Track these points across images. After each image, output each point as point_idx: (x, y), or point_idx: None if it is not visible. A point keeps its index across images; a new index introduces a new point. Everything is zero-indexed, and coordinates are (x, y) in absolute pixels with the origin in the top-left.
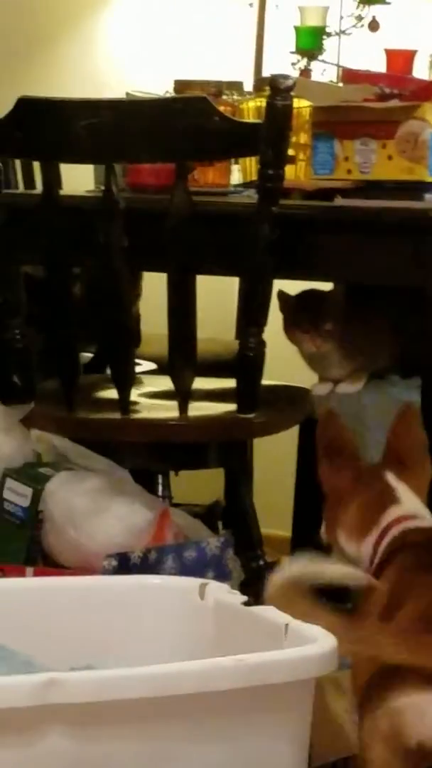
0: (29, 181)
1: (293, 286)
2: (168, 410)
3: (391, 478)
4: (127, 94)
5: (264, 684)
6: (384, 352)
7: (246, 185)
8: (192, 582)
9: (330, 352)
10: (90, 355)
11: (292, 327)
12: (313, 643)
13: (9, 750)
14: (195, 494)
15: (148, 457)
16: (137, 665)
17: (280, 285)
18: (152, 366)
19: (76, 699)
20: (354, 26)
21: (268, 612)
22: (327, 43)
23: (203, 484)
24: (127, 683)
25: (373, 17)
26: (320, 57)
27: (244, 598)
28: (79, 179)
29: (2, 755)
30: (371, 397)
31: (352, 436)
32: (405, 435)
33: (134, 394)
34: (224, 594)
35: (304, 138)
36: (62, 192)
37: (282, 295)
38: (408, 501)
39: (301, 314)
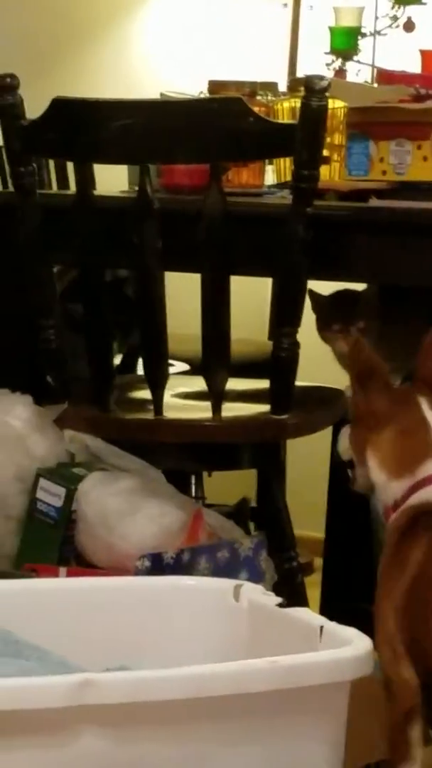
0: (63, 182)
1: (324, 287)
2: (201, 411)
3: (426, 407)
4: (161, 94)
5: (298, 686)
6: (415, 354)
7: (280, 186)
8: (226, 583)
9: None
10: (119, 356)
11: (324, 326)
12: (349, 645)
13: (44, 750)
14: (228, 495)
15: (181, 457)
16: (171, 666)
17: (313, 286)
18: (185, 367)
19: (111, 700)
20: (389, 26)
21: (303, 613)
22: (362, 43)
23: (236, 485)
24: (161, 684)
25: (409, 18)
26: (355, 57)
27: (279, 599)
28: (112, 180)
29: (37, 755)
30: None
31: (382, 362)
32: None
33: (167, 395)
34: (259, 595)
35: (338, 139)
36: (96, 192)
37: (314, 294)
38: None
39: (334, 313)
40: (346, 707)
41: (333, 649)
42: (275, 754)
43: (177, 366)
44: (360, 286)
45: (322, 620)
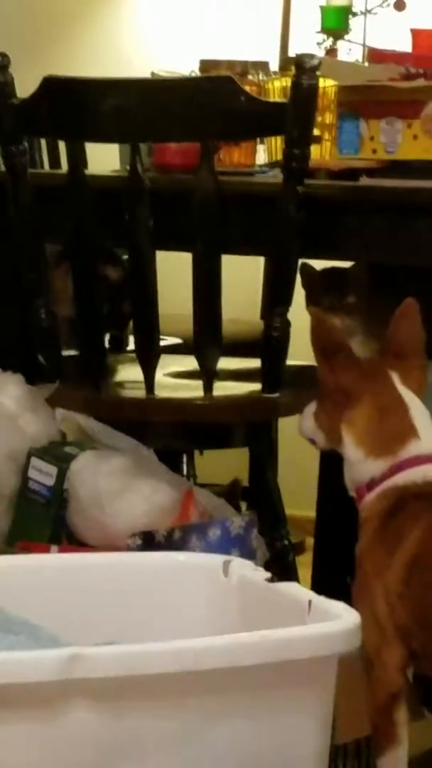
0: (54, 161)
1: (315, 264)
2: (193, 390)
3: (398, 382)
4: (153, 73)
5: (287, 660)
6: None
7: (271, 165)
8: (216, 559)
9: (353, 332)
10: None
11: (314, 302)
12: (337, 619)
13: (34, 724)
14: (220, 474)
15: (172, 436)
16: (161, 642)
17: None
18: (177, 340)
19: (101, 673)
20: (380, 5)
21: (292, 588)
22: (353, 22)
23: (228, 464)
24: (151, 658)
25: None
26: (346, 37)
27: (268, 574)
28: (104, 159)
29: (28, 729)
30: None
31: (345, 337)
32: (406, 328)
33: (159, 374)
34: (248, 571)
35: (329, 118)
36: (87, 172)
37: (305, 268)
38: (425, 433)
39: (324, 289)
40: (334, 681)
41: (321, 623)
42: (264, 727)
43: (169, 340)
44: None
45: (311, 594)
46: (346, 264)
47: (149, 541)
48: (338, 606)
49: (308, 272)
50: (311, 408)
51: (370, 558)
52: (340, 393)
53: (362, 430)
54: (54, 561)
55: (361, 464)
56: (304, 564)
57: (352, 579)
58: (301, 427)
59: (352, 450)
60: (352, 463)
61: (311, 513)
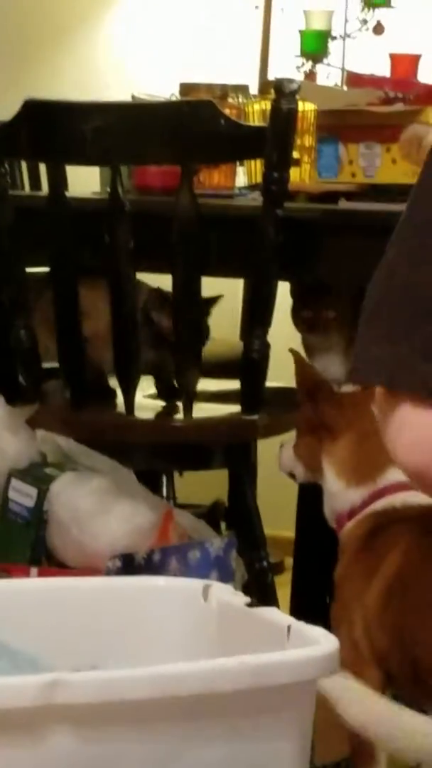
0: (35, 183)
1: None
2: (172, 411)
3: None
4: (133, 96)
5: (266, 685)
6: None
7: (251, 188)
8: (195, 583)
9: (332, 350)
10: None
11: (296, 313)
12: (316, 644)
13: (14, 749)
14: (199, 495)
15: (152, 457)
16: (141, 666)
17: (284, 287)
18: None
19: (81, 699)
20: (359, 30)
21: (271, 613)
22: (332, 46)
23: (207, 485)
24: (131, 684)
25: (378, 21)
26: (325, 60)
27: (248, 599)
28: (85, 181)
29: (8, 755)
30: None
31: (324, 376)
32: None
33: (139, 395)
34: (227, 595)
35: (309, 141)
36: (68, 194)
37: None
38: None
39: (306, 301)
40: (313, 705)
41: (300, 648)
42: (244, 752)
43: None
44: None
45: (290, 620)
46: None
47: (129, 563)
48: (317, 631)
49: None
50: (290, 443)
51: (349, 582)
52: (322, 428)
53: (342, 462)
54: (33, 585)
55: (341, 494)
56: (284, 584)
57: (332, 600)
58: (281, 462)
59: (333, 481)
60: (332, 494)
61: (290, 533)
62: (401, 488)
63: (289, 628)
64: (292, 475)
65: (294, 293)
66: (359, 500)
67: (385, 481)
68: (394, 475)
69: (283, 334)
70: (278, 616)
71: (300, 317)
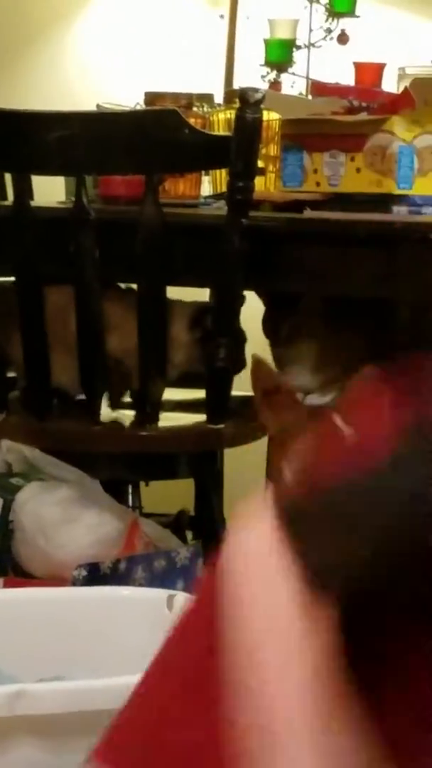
0: (0, 192)
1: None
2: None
3: (338, 420)
4: (98, 106)
5: None
6: (355, 364)
7: (216, 197)
8: (160, 593)
9: (301, 361)
10: None
11: (268, 323)
12: None
13: None
14: (165, 504)
15: (118, 467)
16: (106, 677)
17: (249, 296)
18: None
19: (45, 710)
20: (323, 39)
21: None
22: (296, 55)
23: (174, 494)
24: (95, 695)
25: (343, 30)
26: (290, 69)
27: None
28: (50, 190)
29: None
30: None
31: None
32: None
33: (105, 404)
34: None
35: (273, 150)
36: (33, 203)
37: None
38: None
39: (274, 306)
40: None
41: None
42: None
43: None
44: None
45: None
46: None
47: (94, 573)
48: None
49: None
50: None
51: None
52: (280, 434)
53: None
54: None
55: None
56: None
57: None
58: None
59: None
60: None
61: None
62: None
63: None
64: None
65: (264, 303)
66: None
67: None
68: None
69: (250, 342)
70: None
71: (270, 328)
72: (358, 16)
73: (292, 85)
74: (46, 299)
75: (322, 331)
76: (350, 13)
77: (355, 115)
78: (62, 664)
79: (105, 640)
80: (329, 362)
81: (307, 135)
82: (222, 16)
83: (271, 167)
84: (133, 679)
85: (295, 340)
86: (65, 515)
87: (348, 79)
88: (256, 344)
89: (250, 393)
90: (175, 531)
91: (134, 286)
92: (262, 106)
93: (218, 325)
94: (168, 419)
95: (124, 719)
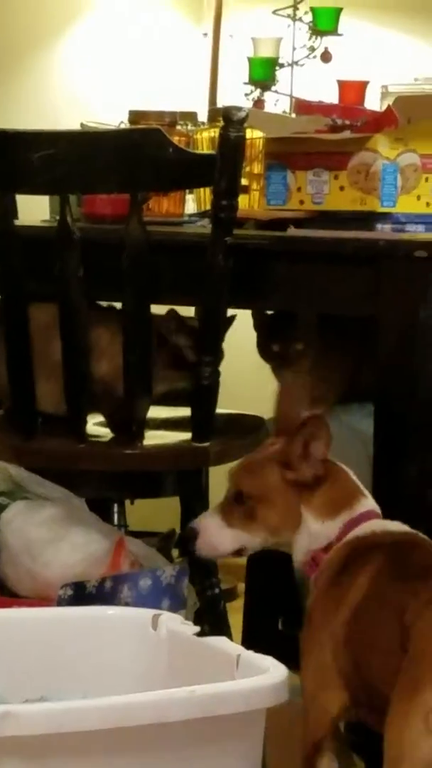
0: None
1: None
2: (123, 439)
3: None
4: (82, 124)
5: (216, 715)
6: (344, 380)
7: (200, 215)
8: (145, 613)
9: (300, 378)
10: None
11: (264, 346)
12: (265, 673)
13: None
14: (151, 522)
15: (103, 485)
16: (92, 696)
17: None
18: None
19: (31, 731)
20: (306, 57)
21: (221, 642)
22: (280, 74)
23: (159, 512)
24: (81, 715)
25: (326, 48)
26: (273, 88)
27: (197, 628)
28: (34, 209)
29: None
30: None
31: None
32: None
33: (90, 423)
34: (177, 625)
35: (257, 168)
36: (18, 222)
37: (256, 312)
38: (366, 491)
39: (274, 333)
40: (262, 734)
41: (250, 677)
42: None
43: None
44: None
45: (240, 649)
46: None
47: (80, 592)
48: (266, 660)
49: (259, 316)
50: (215, 522)
51: (320, 609)
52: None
53: (323, 502)
54: None
55: (320, 532)
56: (236, 610)
57: (284, 625)
58: (215, 545)
59: (313, 524)
60: (311, 534)
61: (242, 559)
62: (374, 515)
63: (238, 657)
64: (237, 553)
65: (259, 326)
66: (336, 532)
67: (361, 508)
68: (367, 502)
69: (234, 361)
70: (228, 645)
71: (268, 351)
72: (341, 35)
73: (276, 103)
74: (30, 319)
75: (318, 346)
76: (333, 31)
77: (338, 133)
78: (48, 685)
79: (90, 660)
80: (318, 380)
81: (290, 153)
82: (205, 35)
83: (255, 185)
84: (117, 700)
85: (295, 361)
86: (51, 534)
87: (331, 97)
88: (236, 362)
89: (234, 411)
90: (163, 549)
91: (118, 304)
92: (245, 124)
93: (203, 343)
94: (153, 437)
95: None
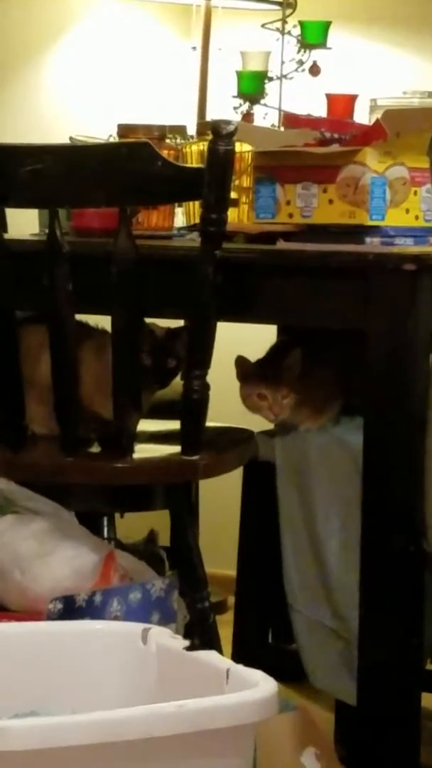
0: None
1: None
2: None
3: None
4: (71, 138)
5: (205, 729)
6: (335, 395)
7: (190, 228)
8: (134, 627)
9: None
10: None
11: (248, 394)
12: (255, 687)
13: None
14: (140, 536)
15: (93, 499)
16: (81, 711)
17: (223, 327)
18: None
19: (20, 747)
20: (295, 70)
21: (210, 656)
22: (269, 87)
23: (148, 526)
24: (70, 731)
25: (314, 62)
26: (262, 101)
27: (186, 642)
28: (23, 222)
29: None
30: (316, 437)
31: None
32: None
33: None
34: (166, 639)
35: (246, 181)
36: (7, 236)
37: (240, 360)
38: None
39: (258, 381)
40: (252, 748)
41: (239, 691)
42: None
43: None
44: (271, 328)
45: (229, 663)
46: (263, 326)
47: (70, 606)
48: (256, 674)
49: (242, 363)
50: None
51: None
52: None
53: None
54: None
55: None
56: (226, 622)
57: (274, 638)
58: None
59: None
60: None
61: (232, 572)
62: None
63: (228, 671)
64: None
65: (242, 376)
66: None
67: None
68: None
69: (223, 374)
70: (217, 659)
71: (253, 397)
72: (329, 48)
73: (265, 116)
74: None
75: (301, 383)
76: (322, 44)
77: (327, 146)
78: (37, 699)
79: (80, 675)
80: (308, 399)
81: (279, 167)
82: (194, 48)
83: (244, 199)
84: (107, 715)
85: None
86: (40, 548)
87: (320, 110)
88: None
89: (224, 424)
90: (149, 548)
91: (107, 318)
92: (234, 137)
93: (192, 357)
94: (143, 451)
95: None
